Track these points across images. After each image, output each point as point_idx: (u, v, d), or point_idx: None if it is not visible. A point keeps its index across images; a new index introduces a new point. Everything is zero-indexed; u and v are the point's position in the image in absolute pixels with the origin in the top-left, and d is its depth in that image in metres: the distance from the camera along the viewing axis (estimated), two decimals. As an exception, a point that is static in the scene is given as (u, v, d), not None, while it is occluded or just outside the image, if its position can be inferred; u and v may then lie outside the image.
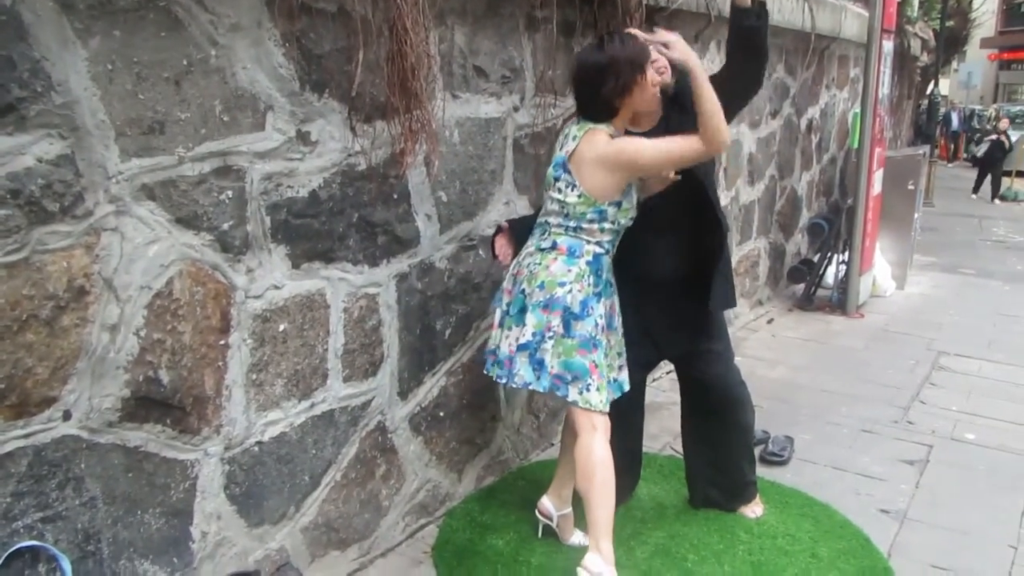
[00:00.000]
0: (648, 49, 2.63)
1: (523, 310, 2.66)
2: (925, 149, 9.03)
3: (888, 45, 6.41)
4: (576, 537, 3.01)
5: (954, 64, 23.15)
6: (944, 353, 5.46)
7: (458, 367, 3.22)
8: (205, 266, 2.23)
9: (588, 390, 2.62)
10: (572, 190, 2.62)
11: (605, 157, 2.58)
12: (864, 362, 5.26)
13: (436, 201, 2.98)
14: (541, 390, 2.65)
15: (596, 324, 2.64)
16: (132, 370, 2.09)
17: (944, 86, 20.87)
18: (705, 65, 4.42)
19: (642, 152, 2.58)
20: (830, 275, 6.68)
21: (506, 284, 2.78)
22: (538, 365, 2.63)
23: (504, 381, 2.72)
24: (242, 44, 2.23)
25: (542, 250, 2.69)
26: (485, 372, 2.81)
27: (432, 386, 3.12)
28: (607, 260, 2.72)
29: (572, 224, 2.66)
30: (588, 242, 2.66)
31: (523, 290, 2.67)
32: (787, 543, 3.07)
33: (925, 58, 13.57)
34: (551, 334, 2.61)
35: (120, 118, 1.97)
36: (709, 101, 2.50)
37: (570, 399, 2.63)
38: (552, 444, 3.89)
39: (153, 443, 2.18)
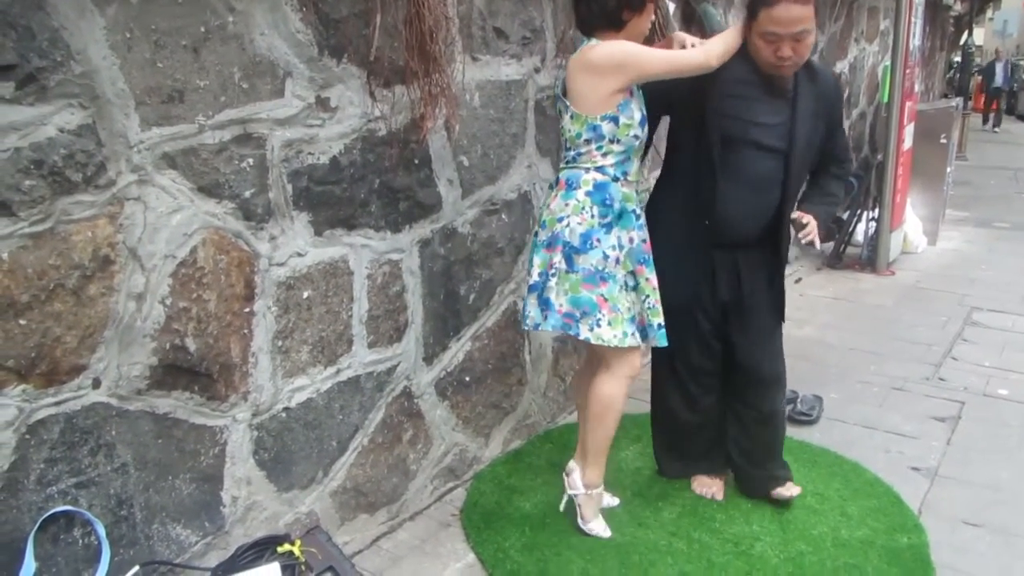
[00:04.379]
0: None
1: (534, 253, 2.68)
2: (958, 101, 8.83)
3: (920, -6, 6.25)
4: (604, 499, 3.02)
5: (989, 13, 22.45)
6: (977, 309, 5.38)
7: (483, 332, 3.22)
8: (228, 234, 2.24)
9: (599, 325, 2.56)
10: (567, 112, 2.57)
11: (598, 59, 2.48)
12: (894, 319, 5.20)
13: (458, 166, 2.96)
14: (550, 329, 2.62)
15: (605, 256, 2.56)
16: (159, 338, 2.11)
17: (978, 35, 20.11)
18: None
19: (650, 57, 2.51)
20: (860, 232, 6.59)
21: None
22: (544, 304, 2.60)
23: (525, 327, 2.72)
24: (259, 10, 2.21)
25: (550, 188, 2.69)
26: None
27: (457, 351, 3.12)
28: (617, 188, 2.58)
29: (572, 153, 2.61)
30: (587, 170, 2.57)
31: (535, 233, 2.68)
32: (816, 502, 3.06)
33: (958, 7, 13.22)
34: (554, 271, 2.58)
35: (140, 87, 1.97)
36: (733, 41, 2.60)
37: (581, 336, 2.58)
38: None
39: (182, 410, 2.21)
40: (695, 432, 3.11)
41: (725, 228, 2.75)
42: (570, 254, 2.56)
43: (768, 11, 2.49)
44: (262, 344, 2.38)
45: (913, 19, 6.07)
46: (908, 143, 6.41)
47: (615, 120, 2.52)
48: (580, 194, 2.56)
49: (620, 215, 2.60)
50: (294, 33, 2.31)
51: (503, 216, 3.21)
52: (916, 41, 6.37)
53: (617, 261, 2.59)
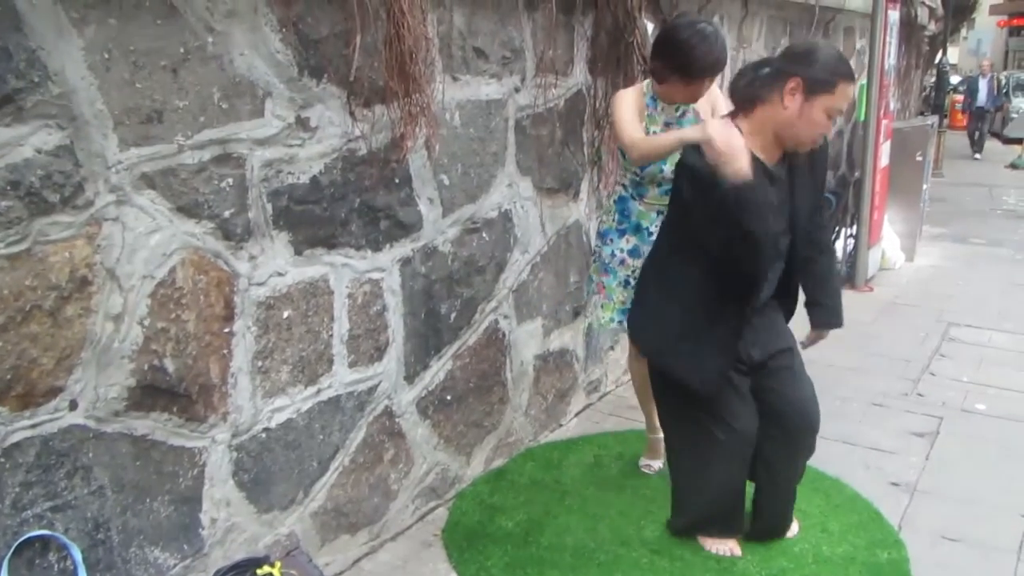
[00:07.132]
0: (718, 65, 2.86)
1: None
2: (934, 119, 8.94)
3: (894, 15, 6.34)
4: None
5: (963, 32, 22.72)
6: (954, 324, 5.43)
7: (464, 350, 3.22)
8: (207, 254, 2.23)
9: (597, 307, 3.26)
10: None
11: (612, 102, 3.08)
12: (873, 335, 5.24)
13: (438, 184, 2.97)
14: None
15: (613, 254, 3.17)
16: (137, 359, 2.09)
17: (953, 54, 20.19)
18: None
19: (614, 118, 2.96)
20: (838, 249, 6.64)
21: None
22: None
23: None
24: (239, 30, 2.21)
25: None
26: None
27: (438, 370, 3.12)
28: (634, 205, 3.13)
29: None
30: (618, 183, 3.23)
31: None
32: (797, 518, 3.07)
33: (933, 27, 13.37)
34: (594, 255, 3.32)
35: (118, 107, 1.96)
36: (665, 148, 2.76)
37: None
38: (560, 425, 3.90)
39: (160, 431, 2.19)
40: (742, 497, 2.91)
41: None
42: (599, 243, 3.27)
43: (846, 87, 2.47)
44: (241, 364, 2.37)
45: (888, 39, 6.16)
46: (885, 160, 6.49)
47: (623, 152, 3.03)
48: (610, 200, 3.26)
49: (636, 228, 3.14)
50: (274, 53, 2.31)
51: (484, 235, 3.21)
52: (891, 60, 6.46)
53: (622, 262, 3.16)
